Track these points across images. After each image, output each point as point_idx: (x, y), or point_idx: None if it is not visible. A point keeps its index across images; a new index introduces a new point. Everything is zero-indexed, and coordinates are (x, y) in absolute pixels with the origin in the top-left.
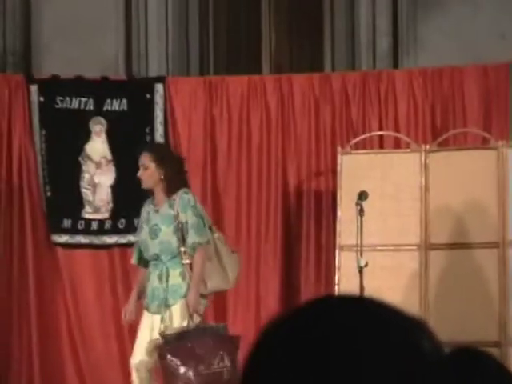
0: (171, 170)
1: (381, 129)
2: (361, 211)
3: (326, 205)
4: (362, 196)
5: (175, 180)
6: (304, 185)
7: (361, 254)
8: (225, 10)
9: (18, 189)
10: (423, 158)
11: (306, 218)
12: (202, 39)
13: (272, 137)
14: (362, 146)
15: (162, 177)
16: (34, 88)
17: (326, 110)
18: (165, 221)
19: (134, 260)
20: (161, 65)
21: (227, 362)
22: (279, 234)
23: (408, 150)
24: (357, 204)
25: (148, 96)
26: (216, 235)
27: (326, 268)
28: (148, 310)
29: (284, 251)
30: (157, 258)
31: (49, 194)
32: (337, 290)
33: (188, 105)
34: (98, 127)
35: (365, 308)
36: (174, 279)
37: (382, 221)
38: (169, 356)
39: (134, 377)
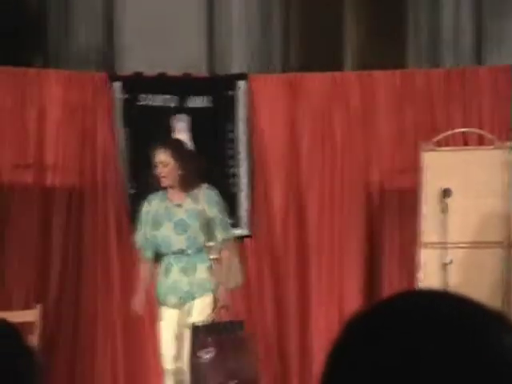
0: (190, 164)
1: (464, 126)
2: (444, 208)
3: (408, 202)
4: (446, 193)
5: (194, 175)
6: (387, 182)
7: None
8: (307, 6)
9: (101, 189)
10: (506, 155)
11: (388, 216)
12: (284, 36)
13: (354, 134)
14: (446, 143)
15: (181, 172)
16: (117, 85)
17: (408, 107)
18: (192, 216)
19: (148, 254)
20: (243, 62)
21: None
22: (362, 232)
23: (491, 147)
24: (440, 201)
25: (230, 93)
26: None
27: (409, 265)
28: (165, 303)
29: (367, 249)
30: (181, 252)
31: (131, 191)
32: (418, 282)
33: (270, 102)
34: (181, 124)
35: (447, 302)
36: (202, 273)
37: (465, 218)
38: (199, 353)
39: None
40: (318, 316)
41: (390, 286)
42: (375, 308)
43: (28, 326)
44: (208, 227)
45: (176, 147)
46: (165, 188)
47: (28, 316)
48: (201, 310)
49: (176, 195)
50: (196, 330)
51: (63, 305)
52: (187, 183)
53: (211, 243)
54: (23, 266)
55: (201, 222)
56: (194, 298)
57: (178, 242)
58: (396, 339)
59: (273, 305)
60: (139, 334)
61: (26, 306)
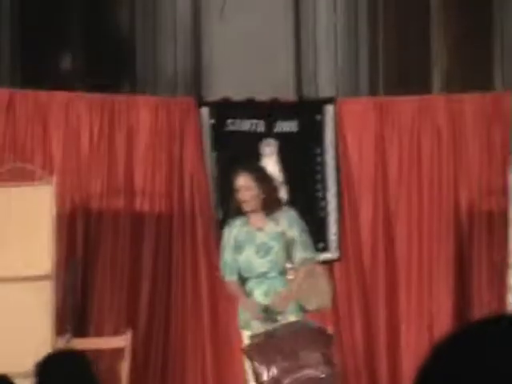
0: (272, 188)
1: None
2: None
3: (498, 224)
4: None
5: (276, 198)
6: (475, 205)
7: None
8: (394, 30)
9: (190, 214)
10: None
11: (477, 238)
12: (371, 59)
13: (443, 157)
14: None
15: (264, 196)
16: (204, 111)
17: (497, 130)
18: (274, 238)
19: (233, 278)
20: (331, 86)
21: (320, 360)
22: (451, 254)
23: None
24: None
25: (318, 117)
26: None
27: (499, 288)
28: (247, 328)
29: (456, 271)
30: (264, 275)
31: (221, 217)
32: (510, 310)
33: (358, 126)
34: (269, 149)
35: None
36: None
37: None
38: (255, 357)
39: None
40: (407, 338)
41: (480, 307)
42: (463, 332)
43: (118, 351)
44: (289, 248)
45: (257, 170)
46: (246, 213)
47: (119, 342)
48: None
49: (258, 219)
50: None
51: (153, 330)
52: (269, 206)
53: (290, 265)
54: (114, 292)
55: (282, 243)
56: (276, 321)
57: (261, 265)
58: (485, 364)
59: (362, 327)
60: (229, 359)
61: (117, 332)
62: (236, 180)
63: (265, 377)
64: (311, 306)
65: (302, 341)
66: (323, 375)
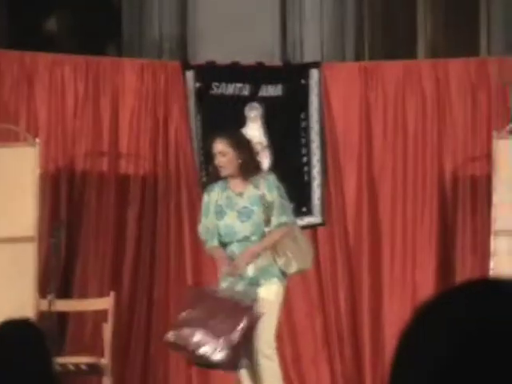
0: (248, 153)
1: None
2: None
3: (481, 190)
4: None
5: (253, 163)
6: (459, 170)
7: None
8: None
9: (175, 174)
10: None
11: (461, 204)
12: (357, 24)
13: (427, 122)
14: None
15: (241, 161)
16: (189, 74)
17: (482, 95)
18: (254, 202)
19: (214, 243)
20: (316, 50)
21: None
22: (435, 220)
23: None
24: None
25: (303, 81)
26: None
27: (482, 253)
28: None
29: (439, 237)
30: (246, 239)
31: (204, 179)
32: (492, 276)
33: (343, 91)
34: (254, 113)
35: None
36: (265, 260)
37: None
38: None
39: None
40: (391, 302)
41: (463, 273)
42: (444, 297)
43: (102, 314)
44: (267, 212)
45: (234, 136)
46: (225, 178)
47: (102, 304)
48: (268, 300)
49: (237, 184)
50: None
51: (137, 293)
52: (247, 171)
53: (267, 228)
54: (98, 254)
55: (262, 207)
56: (259, 285)
57: (243, 229)
58: (463, 328)
59: (346, 291)
60: None
61: (101, 294)
62: (213, 146)
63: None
64: (292, 269)
65: (219, 311)
66: (216, 357)
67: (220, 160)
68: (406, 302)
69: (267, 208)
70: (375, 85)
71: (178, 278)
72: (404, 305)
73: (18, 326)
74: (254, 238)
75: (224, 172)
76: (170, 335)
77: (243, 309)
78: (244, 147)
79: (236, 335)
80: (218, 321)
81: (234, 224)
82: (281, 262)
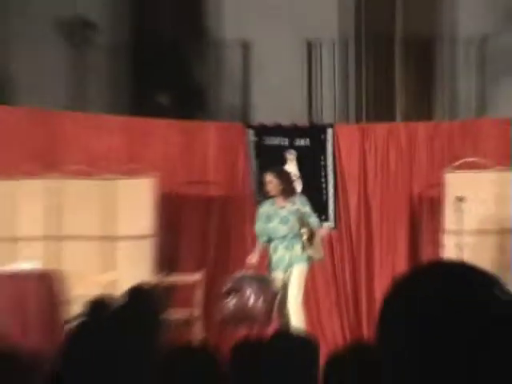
0: (287, 181)
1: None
2: (459, 209)
3: (437, 206)
4: (461, 199)
5: (290, 188)
6: (423, 193)
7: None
8: (372, 77)
9: (241, 196)
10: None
11: (425, 214)
12: (357, 98)
13: (403, 163)
14: (461, 167)
15: (282, 187)
16: (250, 132)
17: (437, 145)
18: (291, 214)
19: (264, 239)
20: (331, 116)
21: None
22: (407, 224)
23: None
24: (456, 204)
25: (322, 136)
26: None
27: (437, 245)
28: (275, 270)
29: (410, 235)
30: (284, 237)
31: (259, 199)
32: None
33: (348, 143)
34: (291, 156)
35: (463, 266)
36: (297, 250)
37: (472, 215)
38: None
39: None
40: (380, 277)
41: (425, 256)
42: (413, 273)
43: (195, 284)
44: (302, 219)
45: (277, 170)
46: (272, 197)
47: (195, 277)
48: (298, 274)
49: (280, 201)
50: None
51: (217, 273)
52: (286, 193)
53: (304, 229)
54: (192, 247)
55: (297, 216)
56: (292, 266)
57: (283, 230)
58: (420, 294)
59: (349, 272)
60: None
61: (194, 270)
62: (265, 177)
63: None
64: (317, 256)
65: (253, 283)
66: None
67: (269, 186)
68: (388, 276)
69: (303, 216)
70: (369, 139)
71: (240, 259)
72: (388, 278)
73: (143, 288)
74: (290, 236)
75: (271, 193)
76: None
77: (267, 284)
78: (284, 178)
79: (267, 298)
80: (253, 287)
81: (277, 227)
82: (310, 251)
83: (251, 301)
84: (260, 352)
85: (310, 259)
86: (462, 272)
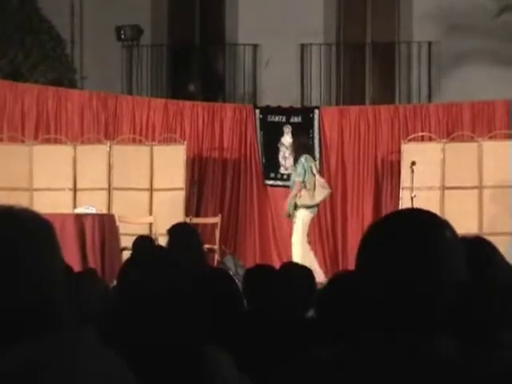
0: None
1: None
2: (412, 170)
3: (396, 168)
4: (413, 163)
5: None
6: (385, 158)
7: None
8: (348, 63)
9: (249, 159)
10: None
11: (386, 174)
12: (337, 87)
13: (369, 136)
14: (416, 139)
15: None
16: (257, 111)
17: (395, 122)
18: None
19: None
20: (317, 100)
21: None
22: (373, 183)
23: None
24: (411, 167)
25: (311, 116)
26: (317, 177)
27: (396, 199)
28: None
29: (375, 192)
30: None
31: (263, 161)
32: (400, 205)
33: (330, 121)
34: (287, 130)
35: (417, 211)
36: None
37: (421, 174)
38: None
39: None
40: (351, 218)
41: (386, 210)
42: (384, 219)
43: (215, 225)
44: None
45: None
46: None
47: (214, 220)
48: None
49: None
50: None
51: (230, 218)
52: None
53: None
54: (213, 196)
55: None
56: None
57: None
58: (389, 238)
59: (330, 213)
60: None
61: (214, 215)
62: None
63: None
64: (311, 202)
65: None
66: None
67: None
68: (358, 218)
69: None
70: (346, 118)
71: (249, 211)
72: (357, 219)
73: (186, 225)
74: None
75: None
76: None
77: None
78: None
79: None
80: None
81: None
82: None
83: None
84: (269, 275)
85: (304, 206)
86: (418, 214)
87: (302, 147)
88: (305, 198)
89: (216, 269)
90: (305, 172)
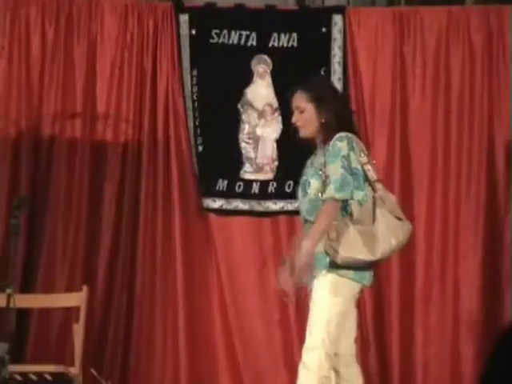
0: (334, 109)
1: None
2: None
3: None
4: None
5: (337, 122)
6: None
7: None
8: None
9: (163, 142)
10: None
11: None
12: None
13: (476, 81)
14: None
15: (324, 120)
16: (184, 18)
17: None
18: (314, 173)
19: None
20: None
21: None
22: (482, 199)
23: None
24: None
25: (324, 30)
26: (380, 193)
27: None
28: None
29: (487, 217)
30: (305, 220)
31: (200, 148)
32: None
33: (373, 42)
34: (262, 67)
35: None
36: (319, 246)
37: None
38: None
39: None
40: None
41: None
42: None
43: (72, 311)
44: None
45: (316, 88)
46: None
47: (72, 300)
48: (322, 289)
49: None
50: None
51: (114, 287)
52: (327, 134)
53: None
54: (67, 239)
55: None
56: (313, 276)
57: (303, 205)
58: None
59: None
60: (204, 318)
61: (70, 289)
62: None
63: None
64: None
65: None
66: None
67: (296, 118)
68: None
69: (324, 181)
70: (412, 35)
71: (164, 268)
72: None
73: None
74: (311, 218)
75: (302, 134)
76: None
77: None
78: (329, 103)
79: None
80: None
81: (300, 199)
82: None
83: None
84: None
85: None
86: None
87: (322, 111)
88: (348, 240)
89: None
90: (352, 173)
